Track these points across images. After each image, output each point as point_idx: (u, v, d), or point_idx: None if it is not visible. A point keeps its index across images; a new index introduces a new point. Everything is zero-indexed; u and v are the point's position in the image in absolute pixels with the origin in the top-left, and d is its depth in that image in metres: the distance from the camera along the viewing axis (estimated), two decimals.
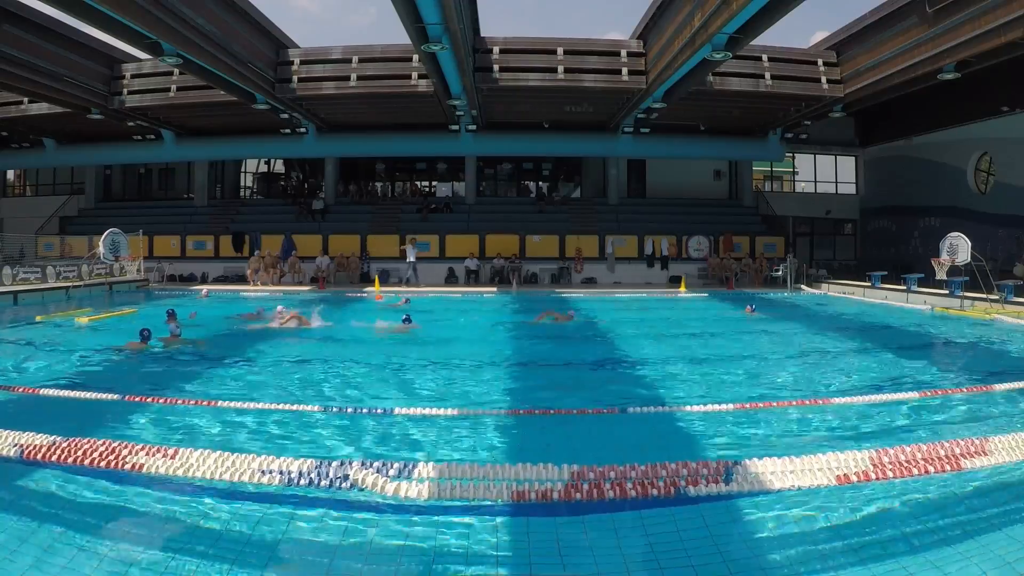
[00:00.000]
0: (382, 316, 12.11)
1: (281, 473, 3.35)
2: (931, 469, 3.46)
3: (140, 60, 20.01)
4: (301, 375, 7.61)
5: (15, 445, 3.71)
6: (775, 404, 5.97)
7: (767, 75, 19.52)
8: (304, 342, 10.25)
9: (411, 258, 21.82)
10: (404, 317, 11.17)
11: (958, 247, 14.81)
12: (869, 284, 18.17)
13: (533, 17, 78.55)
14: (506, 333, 11.67)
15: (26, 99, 21.14)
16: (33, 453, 3.64)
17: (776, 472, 3.34)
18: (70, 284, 17.20)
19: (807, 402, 5.94)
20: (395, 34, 36.54)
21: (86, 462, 3.52)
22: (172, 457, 3.48)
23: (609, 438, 5.22)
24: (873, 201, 27.49)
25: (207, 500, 3.59)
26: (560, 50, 19.54)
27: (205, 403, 5.86)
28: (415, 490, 3.24)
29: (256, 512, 3.50)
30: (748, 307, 13.84)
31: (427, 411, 5.48)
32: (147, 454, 3.52)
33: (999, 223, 19.91)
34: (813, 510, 3.54)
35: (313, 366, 8.20)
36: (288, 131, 24.46)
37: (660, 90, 18.84)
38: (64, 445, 3.65)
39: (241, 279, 22.04)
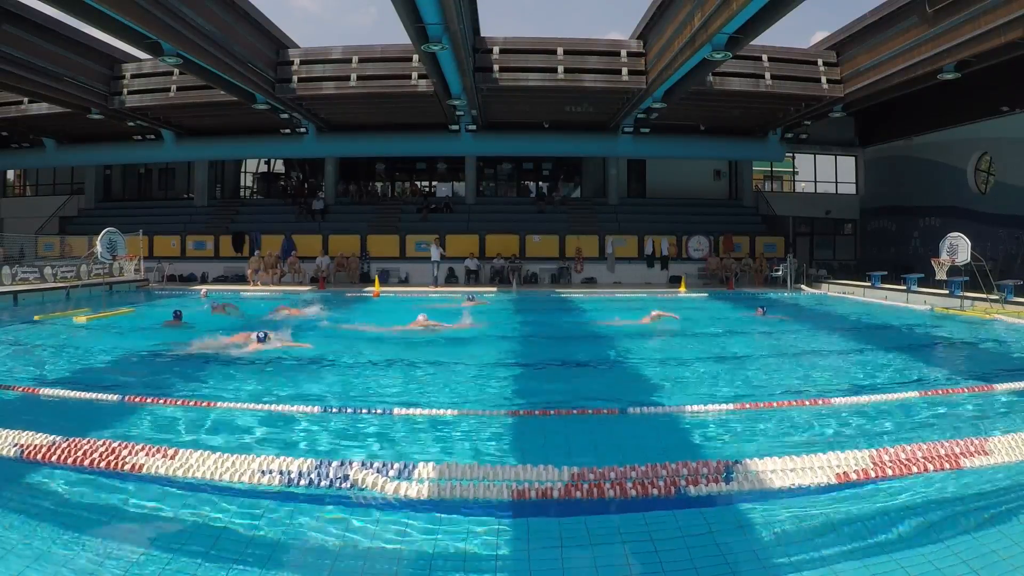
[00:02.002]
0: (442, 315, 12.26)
1: (281, 473, 3.34)
2: (931, 468, 3.46)
3: (140, 60, 20.01)
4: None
5: (15, 445, 3.71)
6: (775, 404, 5.97)
7: (767, 75, 19.51)
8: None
9: (435, 257, 21.89)
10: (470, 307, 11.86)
11: (958, 247, 14.80)
12: (869, 284, 18.17)
13: (533, 17, 78.59)
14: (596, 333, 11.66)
15: (26, 99, 21.14)
16: (33, 453, 3.64)
17: (776, 471, 3.33)
18: (70, 284, 17.21)
19: (807, 402, 5.94)
20: (395, 34, 36.57)
21: (86, 462, 3.52)
22: (172, 457, 3.48)
23: (609, 438, 5.22)
24: (873, 201, 27.49)
25: (207, 500, 3.59)
26: (560, 50, 19.54)
27: (205, 404, 5.86)
28: (415, 490, 3.24)
29: (256, 512, 3.50)
30: (759, 309, 13.68)
31: (427, 412, 5.47)
32: (147, 454, 3.51)
33: (999, 223, 19.90)
34: (813, 509, 3.54)
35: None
36: (288, 131, 24.46)
37: (660, 90, 18.84)
38: (64, 445, 3.64)
39: (241, 279, 22.04)
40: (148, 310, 14.28)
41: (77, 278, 18.07)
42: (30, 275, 17.25)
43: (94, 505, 3.65)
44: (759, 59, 19.39)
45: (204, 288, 19.53)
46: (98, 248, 16.56)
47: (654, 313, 12.01)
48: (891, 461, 3.46)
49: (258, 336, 8.87)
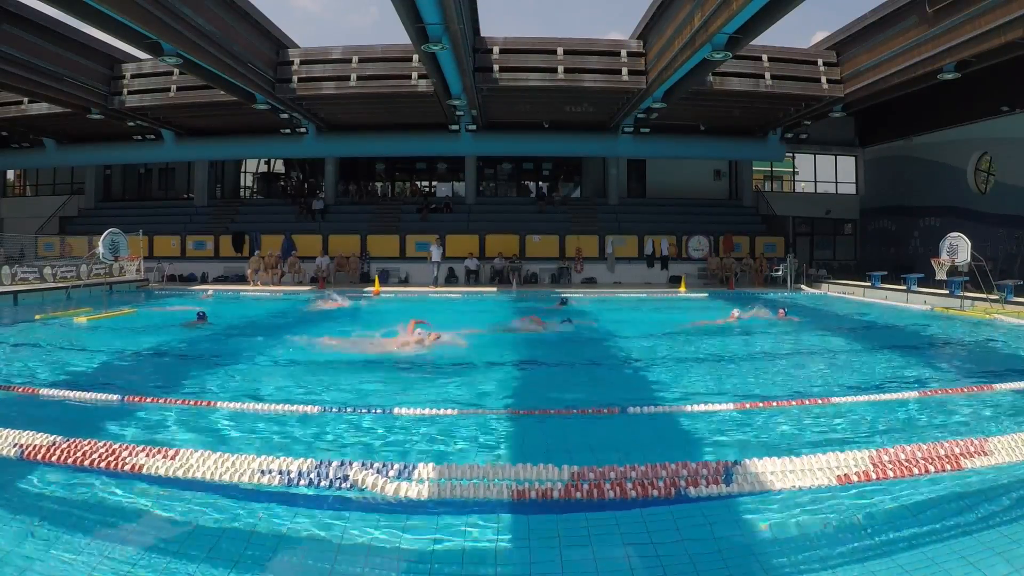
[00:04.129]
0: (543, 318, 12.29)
1: (281, 473, 3.35)
2: (931, 469, 3.46)
3: (140, 60, 20.01)
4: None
5: (15, 445, 3.71)
6: (775, 404, 5.97)
7: (767, 75, 19.51)
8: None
9: (435, 258, 21.89)
10: (565, 320, 11.74)
11: (958, 247, 14.79)
12: (869, 284, 18.17)
13: (533, 17, 78.59)
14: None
15: (26, 99, 21.15)
16: (33, 453, 3.64)
17: (776, 472, 3.34)
18: (71, 284, 17.20)
19: (807, 402, 5.94)
20: (396, 34, 36.58)
21: (86, 463, 3.52)
22: (172, 458, 3.48)
23: (611, 438, 5.22)
24: (873, 201, 27.49)
25: (207, 500, 3.59)
26: (560, 50, 19.53)
27: (205, 403, 5.86)
28: (415, 490, 3.24)
29: (256, 512, 3.50)
30: (780, 310, 13.46)
31: (427, 411, 5.47)
32: (147, 455, 3.51)
33: (999, 223, 19.91)
34: (814, 510, 3.54)
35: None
36: (288, 131, 24.46)
37: (660, 90, 18.83)
38: (64, 445, 3.65)
39: (241, 279, 22.04)
40: (152, 310, 14.27)
41: (77, 278, 18.06)
42: (30, 275, 17.24)
43: (94, 505, 3.64)
44: (759, 59, 19.39)
45: (210, 288, 19.50)
46: (100, 249, 16.58)
47: (735, 313, 12.55)
48: (891, 462, 3.46)
49: (422, 335, 8.69)
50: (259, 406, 5.78)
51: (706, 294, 19.31)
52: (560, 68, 19.43)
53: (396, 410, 5.53)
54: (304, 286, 21.33)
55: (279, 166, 31.40)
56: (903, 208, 25.12)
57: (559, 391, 7.08)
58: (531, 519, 3.42)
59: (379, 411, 5.61)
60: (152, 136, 24.96)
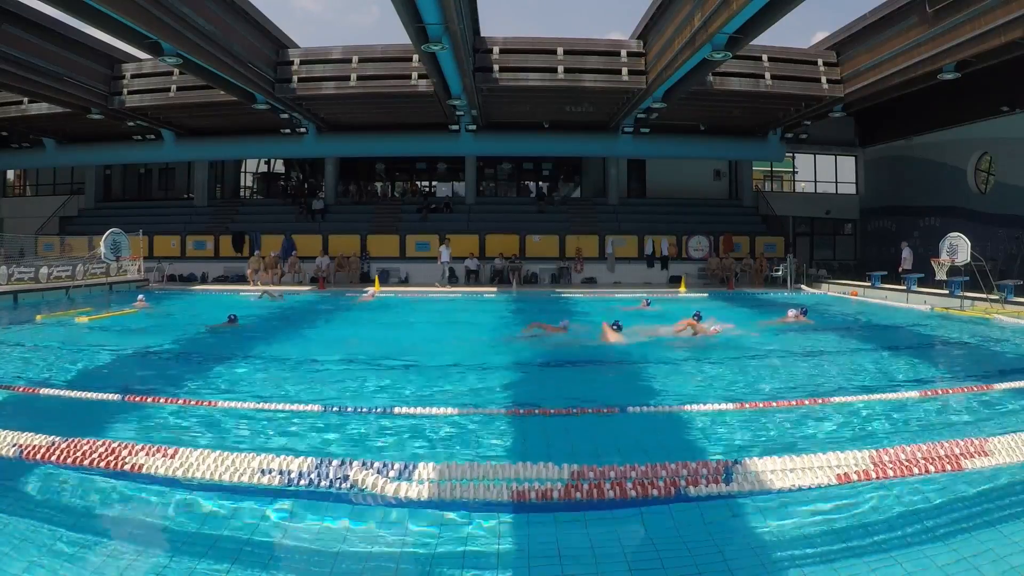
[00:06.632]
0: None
1: (281, 473, 3.34)
2: (931, 469, 3.45)
3: (140, 60, 20.01)
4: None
5: (15, 445, 3.71)
6: (775, 404, 5.97)
7: (767, 75, 19.51)
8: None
9: (444, 258, 21.88)
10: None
11: (958, 247, 14.79)
12: (869, 284, 18.17)
13: (534, 17, 78.59)
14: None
15: (26, 99, 21.14)
16: (33, 453, 3.64)
17: (776, 471, 3.33)
18: (71, 284, 17.18)
19: (807, 402, 5.94)
20: (396, 34, 36.58)
21: (86, 463, 3.52)
22: (172, 457, 3.47)
23: (610, 437, 5.22)
24: (873, 201, 27.48)
25: (207, 500, 3.59)
26: (560, 50, 19.53)
27: (205, 403, 5.85)
28: (415, 490, 3.24)
29: (256, 512, 3.50)
30: (802, 309, 13.17)
31: (427, 411, 5.47)
32: (147, 454, 3.51)
33: (999, 223, 19.90)
34: (814, 509, 3.54)
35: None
36: (288, 131, 24.45)
37: (660, 90, 18.83)
38: (64, 445, 3.64)
39: (241, 279, 22.03)
40: (152, 310, 14.24)
41: (72, 278, 17.97)
42: (25, 275, 17.18)
43: (94, 505, 3.64)
44: (759, 59, 19.38)
45: (274, 289, 18.81)
46: (102, 248, 16.52)
47: (790, 313, 12.63)
48: (891, 461, 3.46)
49: (615, 327, 9.12)
50: (256, 405, 5.78)
51: (706, 294, 19.30)
52: (560, 68, 19.43)
53: (396, 409, 5.52)
54: (304, 286, 21.33)
55: (279, 166, 31.39)
56: (903, 208, 25.11)
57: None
58: (531, 518, 3.42)
59: (379, 410, 5.60)
60: (152, 136, 24.95)
